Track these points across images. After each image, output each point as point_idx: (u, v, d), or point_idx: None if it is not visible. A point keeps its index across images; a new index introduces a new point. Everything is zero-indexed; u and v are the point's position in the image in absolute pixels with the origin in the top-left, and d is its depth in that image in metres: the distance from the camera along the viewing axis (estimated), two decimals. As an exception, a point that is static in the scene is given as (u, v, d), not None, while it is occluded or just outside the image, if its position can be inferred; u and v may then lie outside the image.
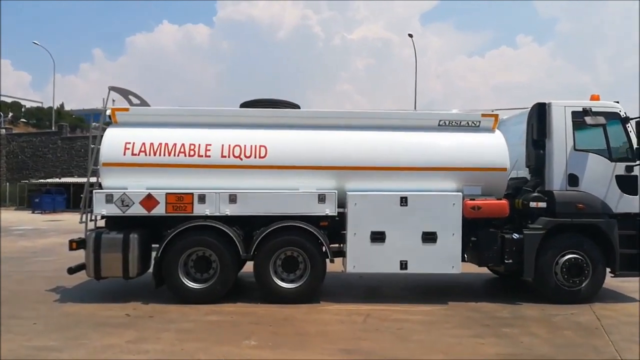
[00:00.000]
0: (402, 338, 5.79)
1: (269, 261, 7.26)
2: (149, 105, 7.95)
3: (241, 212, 7.26)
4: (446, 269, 7.40)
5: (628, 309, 7.25)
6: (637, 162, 7.56)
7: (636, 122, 7.48)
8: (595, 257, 7.44)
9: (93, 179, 7.72)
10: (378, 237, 7.26)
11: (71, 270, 7.37)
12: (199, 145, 7.36)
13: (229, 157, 7.35)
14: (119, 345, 5.43)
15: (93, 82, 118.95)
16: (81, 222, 7.63)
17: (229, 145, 7.38)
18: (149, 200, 7.20)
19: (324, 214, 7.30)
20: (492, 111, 8.07)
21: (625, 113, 7.73)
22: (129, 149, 7.31)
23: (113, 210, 7.19)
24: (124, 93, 7.80)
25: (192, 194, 7.22)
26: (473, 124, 7.76)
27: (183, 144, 7.35)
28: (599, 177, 7.58)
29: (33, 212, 29.55)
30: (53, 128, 42.06)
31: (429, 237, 7.29)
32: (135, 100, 7.84)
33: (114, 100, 7.77)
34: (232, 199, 7.25)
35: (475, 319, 6.64)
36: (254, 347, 5.41)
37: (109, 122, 7.56)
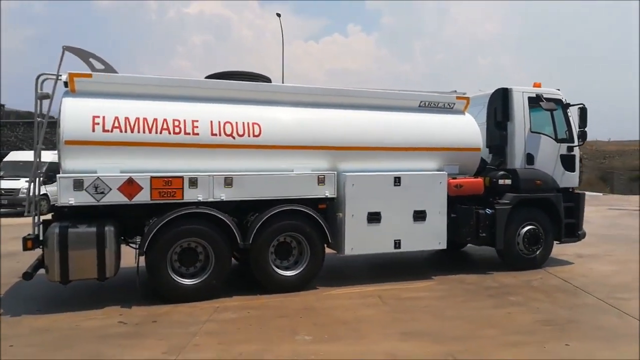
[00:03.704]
0: (438, 315, 5.86)
1: (267, 249, 6.71)
2: (116, 72, 6.60)
3: (237, 196, 6.56)
4: (434, 245, 7.69)
5: (575, 270, 8.33)
6: (578, 143, 8.68)
7: (579, 109, 8.56)
8: (547, 227, 8.39)
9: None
10: (374, 217, 7.20)
11: (28, 275, 5.87)
12: (184, 121, 6.41)
13: (220, 135, 6.54)
14: (157, 360, 4.56)
15: None
16: (28, 214, 6.14)
17: (219, 121, 6.56)
18: (129, 186, 6.07)
19: (323, 196, 6.99)
20: (464, 94, 8.51)
21: (565, 99, 8.77)
22: (98, 124, 6.04)
23: (84, 198, 5.90)
24: (84, 55, 6.34)
25: (182, 177, 6.28)
26: (448, 106, 8.07)
27: (165, 120, 6.33)
28: (548, 156, 8.53)
29: None
30: None
31: (420, 216, 7.46)
32: (98, 65, 6.44)
33: None
34: (228, 182, 6.49)
35: (475, 291, 7.01)
36: (314, 343, 4.98)
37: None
